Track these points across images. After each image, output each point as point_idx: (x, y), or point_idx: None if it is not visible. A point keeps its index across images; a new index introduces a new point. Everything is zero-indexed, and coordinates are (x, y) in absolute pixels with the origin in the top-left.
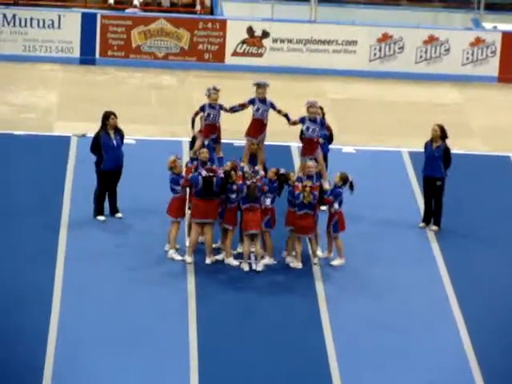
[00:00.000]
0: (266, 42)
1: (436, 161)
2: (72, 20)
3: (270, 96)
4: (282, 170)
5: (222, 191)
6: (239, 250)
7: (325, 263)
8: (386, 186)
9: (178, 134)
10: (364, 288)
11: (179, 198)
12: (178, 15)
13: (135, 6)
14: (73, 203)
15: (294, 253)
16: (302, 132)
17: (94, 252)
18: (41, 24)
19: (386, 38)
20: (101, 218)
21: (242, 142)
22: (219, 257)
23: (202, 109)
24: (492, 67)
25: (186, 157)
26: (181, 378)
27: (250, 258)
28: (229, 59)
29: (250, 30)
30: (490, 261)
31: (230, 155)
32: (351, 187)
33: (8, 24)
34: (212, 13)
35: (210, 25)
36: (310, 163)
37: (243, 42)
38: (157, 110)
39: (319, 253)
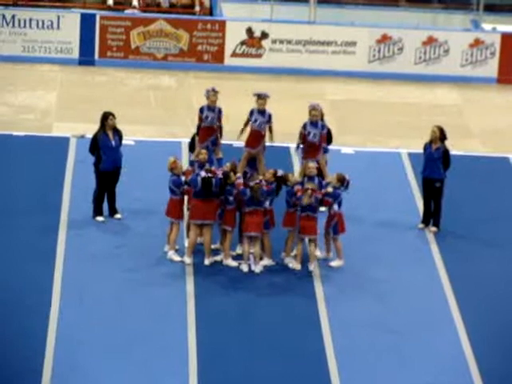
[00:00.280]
0: (266, 43)
1: (435, 162)
2: (71, 21)
3: (270, 97)
4: (280, 172)
5: (220, 192)
6: (238, 251)
7: (324, 264)
8: (385, 187)
9: (177, 134)
10: (363, 289)
11: (178, 200)
12: (177, 16)
13: (134, 7)
14: (72, 204)
15: (292, 253)
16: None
17: (92, 253)
18: (40, 25)
19: (385, 39)
20: (100, 218)
21: (241, 142)
22: (218, 258)
23: (201, 110)
24: (491, 68)
25: (184, 157)
26: (180, 379)
27: (248, 259)
28: (228, 60)
29: (250, 31)
30: (489, 262)
31: (229, 156)
32: (346, 186)
33: (7, 25)
34: (211, 14)
35: (209, 26)
36: (311, 164)
37: (242, 42)
38: (156, 110)
39: (318, 253)
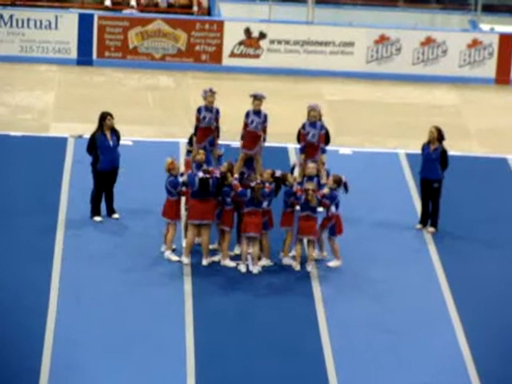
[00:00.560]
0: (263, 44)
1: (433, 163)
2: (69, 21)
3: (268, 98)
4: (278, 173)
5: (218, 191)
6: (236, 251)
7: (321, 264)
8: (382, 187)
9: (174, 135)
10: (361, 289)
11: (174, 200)
12: (176, 16)
13: (132, 7)
14: (69, 204)
15: (291, 254)
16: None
17: (90, 253)
18: (38, 25)
19: (383, 39)
20: (97, 218)
21: (238, 142)
22: (216, 258)
23: (199, 111)
24: (489, 69)
25: (182, 158)
26: (178, 379)
27: (246, 260)
28: (226, 60)
29: (248, 31)
30: (487, 263)
31: (227, 157)
32: (346, 188)
33: (5, 25)
34: (209, 14)
35: (207, 26)
36: (311, 164)
37: (240, 43)
38: (154, 111)
39: (314, 254)
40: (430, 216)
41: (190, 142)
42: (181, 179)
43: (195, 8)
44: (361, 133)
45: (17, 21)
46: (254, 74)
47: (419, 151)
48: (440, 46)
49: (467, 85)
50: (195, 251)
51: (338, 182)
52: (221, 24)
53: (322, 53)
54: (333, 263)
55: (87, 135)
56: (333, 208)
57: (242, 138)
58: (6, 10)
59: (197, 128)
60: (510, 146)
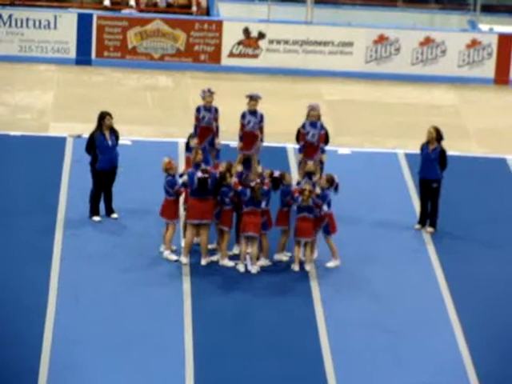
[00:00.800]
0: (262, 43)
1: (432, 163)
2: (68, 21)
3: (267, 98)
4: (277, 173)
5: (216, 190)
6: (235, 251)
7: (320, 265)
8: (381, 187)
9: (173, 134)
10: (359, 289)
11: (173, 200)
12: (174, 16)
13: (131, 7)
14: (68, 204)
15: (287, 253)
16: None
17: (89, 252)
18: (37, 24)
19: (382, 39)
20: (96, 218)
21: (236, 142)
22: (215, 258)
23: (198, 111)
24: (488, 69)
25: (181, 158)
26: (176, 379)
27: (245, 260)
28: (225, 60)
29: (246, 31)
30: (486, 263)
31: (226, 157)
32: (336, 189)
33: (4, 24)
34: (208, 14)
35: (206, 26)
36: (310, 162)
37: (239, 43)
38: (153, 111)
39: (314, 255)
40: (428, 216)
41: (189, 143)
42: (180, 180)
43: (194, 8)
44: (360, 133)
45: (16, 20)
46: (253, 74)
47: (418, 151)
48: (439, 46)
49: (466, 85)
50: (194, 251)
51: (331, 181)
52: (220, 24)
53: (321, 53)
54: (331, 263)
55: (86, 135)
56: (325, 207)
57: (241, 139)
58: (5, 10)
59: (196, 128)
60: (509, 146)
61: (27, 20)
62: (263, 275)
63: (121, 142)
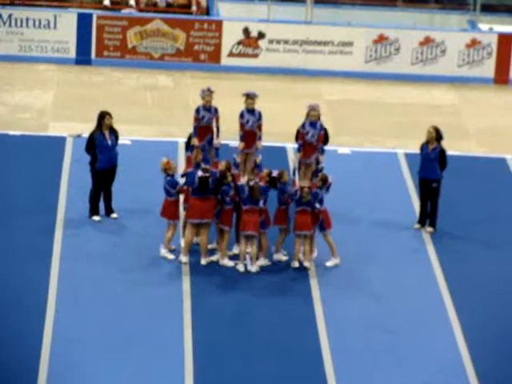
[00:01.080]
0: (262, 43)
1: (432, 163)
2: (68, 20)
3: (267, 97)
4: (275, 173)
5: (217, 189)
6: (235, 251)
7: (320, 264)
8: (381, 187)
9: (173, 134)
10: (359, 289)
11: (173, 200)
12: (174, 16)
13: (131, 7)
14: (68, 203)
15: (285, 252)
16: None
17: (89, 252)
18: (37, 24)
19: (382, 39)
20: (96, 218)
21: (236, 142)
22: (214, 257)
23: (197, 111)
24: (488, 69)
25: (180, 158)
26: (176, 378)
27: (245, 259)
28: (225, 60)
29: (246, 31)
30: (486, 263)
31: (226, 156)
32: (327, 189)
33: (4, 24)
34: (208, 13)
35: (205, 25)
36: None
37: (239, 42)
38: (152, 110)
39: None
40: (428, 216)
41: (188, 143)
42: (181, 181)
43: (194, 8)
44: (360, 133)
45: (16, 20)
46: (253, 74)
47: (418, 151)
48: (439, 46)
49: (466, 84)
50: (193, 251)
51: (324, 181)
52: (219, 24)
53: (320, 52)
54: (331, 262)
55: (86, 134)
56: (317, 205)
57: (241, 139)
58: (4, 10)
59: (196, 128)
60: (509, 146)
61: (27, 20)
62: (263, 275)
63: (120, 141)
